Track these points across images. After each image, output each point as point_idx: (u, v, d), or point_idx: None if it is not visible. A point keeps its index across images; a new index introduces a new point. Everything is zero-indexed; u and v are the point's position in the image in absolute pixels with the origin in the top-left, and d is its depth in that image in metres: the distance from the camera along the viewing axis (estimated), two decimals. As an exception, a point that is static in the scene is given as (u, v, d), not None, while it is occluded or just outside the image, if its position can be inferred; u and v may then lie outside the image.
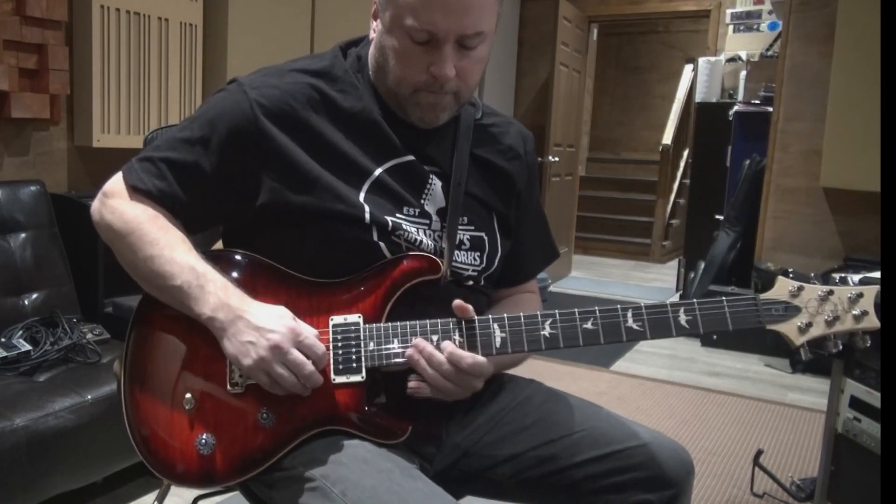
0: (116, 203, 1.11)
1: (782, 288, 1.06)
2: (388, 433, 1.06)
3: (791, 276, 1.07)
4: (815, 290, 1.05)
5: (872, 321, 1.03)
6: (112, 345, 2.30)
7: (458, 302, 1.07)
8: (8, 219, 2.35)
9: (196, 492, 1.38)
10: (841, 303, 1.04)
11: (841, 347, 1.04)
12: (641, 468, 1.12)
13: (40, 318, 2.27)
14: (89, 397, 1.97)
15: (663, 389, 3.49)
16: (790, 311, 1.05)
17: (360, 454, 1.02)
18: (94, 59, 2.69)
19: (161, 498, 1.50)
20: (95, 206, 1.14)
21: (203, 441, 1.03)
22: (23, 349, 2.12)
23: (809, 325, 1.04)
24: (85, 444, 1.94)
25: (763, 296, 1.07)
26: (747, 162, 4.49)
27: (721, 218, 4.69)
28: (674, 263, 6.60)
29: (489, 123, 1.26)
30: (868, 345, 1.04)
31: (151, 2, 2.85)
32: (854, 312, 1.04)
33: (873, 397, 1.91)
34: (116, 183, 1.14)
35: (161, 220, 1.09)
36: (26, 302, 2.35)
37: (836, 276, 1.08)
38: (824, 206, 3.96)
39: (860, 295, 1.04)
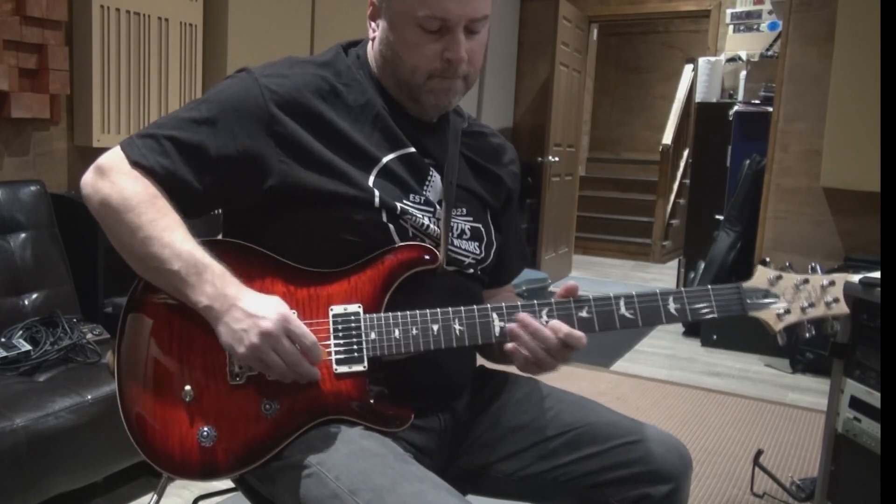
0: (115, 177, 1.06)
1: (762, 277, 1.10)
2: (391, 421, 1.07)
3: (768, 264, 1.11)
4: (791, 278, 1.09)
5: (842, 308, 1.08)
6: (112, 345, 2.30)
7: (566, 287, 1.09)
8: (8, 219, 2.35)
9: (196, 491, 1.38)
10: (815, 290, 1.08)
11: (814, 333, 1.08)
12: (640, 463, 1.14)
13: (40, 318, 2.27)
14: (89, 397, 1.97)
15: (663, 389, 3.49)
16: (769, 298, 1.09)
17: (355, 441, 1.03)
18: (94, 59, 2.69)
19: (160, 492, 1.49)
20: (88, 178, 1.09)
21: (205, 433, 1.03)
22: (23, 349, 2.11)
23: (787, 311, 1.08)
24: (85, 444, 1.94)
25: (745, 284, 1.10)
26: (747, 162, 4.49)
27: (721, 218, 4.69)
28: (674, 263, 6.60)
29: (476, 132, 1.31)
30: (837, 330, 1.09)
31: (151, 2, 2.85)
32: (826, 299, 1.08)
33: (873, 397, 1.90)
34: (114, 157, 1.08)
35: (161, 201, 1.05)
36: (26, 302, 2.35)
37: (809, 265, 1.11)
38: (824, 206, 3.95)
39: (832, 283, 1.08)
